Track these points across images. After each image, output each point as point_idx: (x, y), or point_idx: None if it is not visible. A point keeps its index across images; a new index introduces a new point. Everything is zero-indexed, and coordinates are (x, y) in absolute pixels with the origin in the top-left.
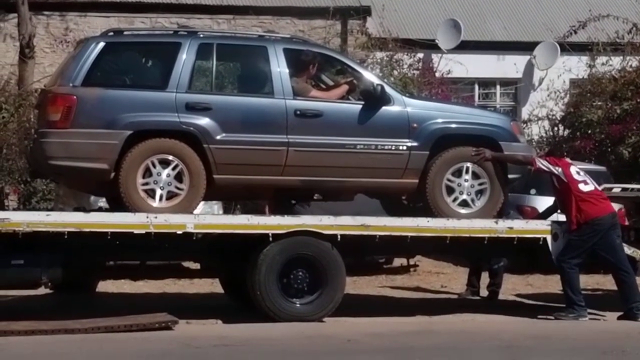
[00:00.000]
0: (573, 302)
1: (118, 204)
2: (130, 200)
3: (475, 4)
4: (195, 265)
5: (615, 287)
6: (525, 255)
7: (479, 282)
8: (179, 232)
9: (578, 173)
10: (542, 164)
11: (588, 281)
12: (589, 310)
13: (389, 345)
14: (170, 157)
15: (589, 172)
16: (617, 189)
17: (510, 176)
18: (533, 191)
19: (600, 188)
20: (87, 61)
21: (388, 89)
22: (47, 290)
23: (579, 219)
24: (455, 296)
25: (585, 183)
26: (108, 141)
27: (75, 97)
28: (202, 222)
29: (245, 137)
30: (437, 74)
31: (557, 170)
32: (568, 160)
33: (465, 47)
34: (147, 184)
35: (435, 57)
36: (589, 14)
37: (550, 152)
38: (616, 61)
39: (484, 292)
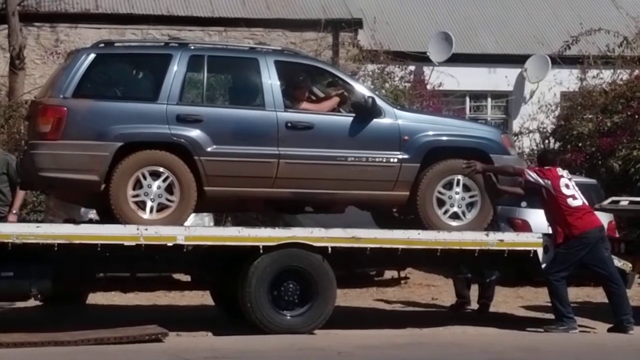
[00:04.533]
0: (562, 315)
1: (108, 216)
2: (121, 212)
3: (467, 17)
4: (186, 278)
5: (605, 300)
6: (516, 267)
7: (468, 293)
8: (170, 244)
9: (567, 186)
10: (531, 176)
11: (578, 293)
12: (579, 323)
13: (380, 357)
14: (161, 169)
15: (579, 185)
16: (624, 202)
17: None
18: (524, 204)
19: (608, 201)
20: (77, 73)
21: (379, 102)
22: (37, 302)
23: (567, 233)
24: (446, 309)
25: (574, 197)
26: (98, 153)
27: (65, 108)
28: (192, 234)
29: (236, 149)
30: (428, 87)
31: (546, 182)
32: (559, 170)
33: (457, 59)
34: (137, 195)
35: (426, 69)
36: (580, 27)
37: (543, 155)
38: (607, 74)
39: (473, 304)
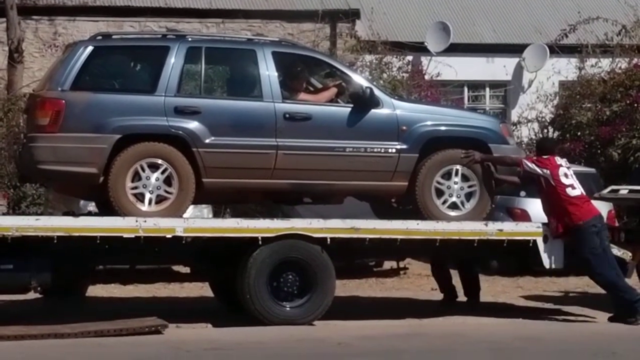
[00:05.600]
0: (631, 302)
1: (107, 208)
2: (120, 204)
3: (464, 7)
4: (185, 269)
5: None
6: (515, 257)
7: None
8: (169, 236)
9: (566, 176)
10: (529, 166)
11: (578, 283)
12: (579, 312)
13: (380, 348)
14: (159, 161)
15: (578, 174)
16: (624, 190)
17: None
18: (523, 193)
19: (607, 190)
20: (75, 65)
21: (377, 92)
22: (37, 295)
23: (567, 222)
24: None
25: (573, 187)
26: (97, 145)
27: (63, 101)
28: (191, 226)
29: (234, 140)
30: (426, 77)
31: (545, 172)
32: (557, 159)
33: (455, 49)
34: (136, 188)
35: (424, 59)
36: (578, 16)
37: (541, 144)
38: (605, 63)
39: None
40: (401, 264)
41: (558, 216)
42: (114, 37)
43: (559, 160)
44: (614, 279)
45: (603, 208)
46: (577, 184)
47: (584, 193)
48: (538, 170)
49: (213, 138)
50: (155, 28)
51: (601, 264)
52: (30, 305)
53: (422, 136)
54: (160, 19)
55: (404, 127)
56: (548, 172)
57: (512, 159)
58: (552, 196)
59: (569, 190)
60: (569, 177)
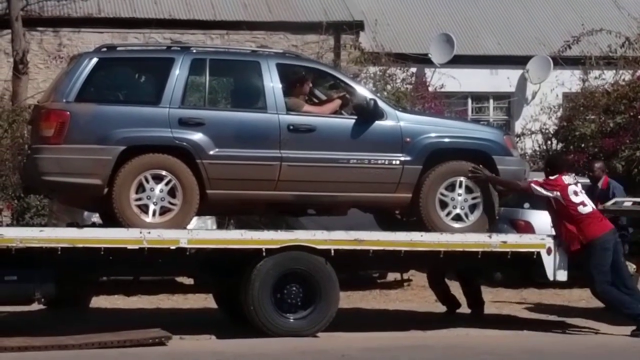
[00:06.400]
0: (637, 315)
1: (111, 220)
2: (124, 215)
3: (468, 19)
4: (189, 281)
5: None
6: (519, 269)
7: (448, 296)
8: (173, 247)
9: (575, 194)
10: (539, 190)
11: (582, 295)
12: (584, 324)
13: (384, 359)
14: (164, 173)
15: (582, 186)
16: (628, 202)
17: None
18: (527, 205)
19: (611, 202)
20: (80, 77)
21: (381, 104)
22: (41, 306)
23: (582, 239)
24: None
25: (584, 204)
26: (101, 157)
27: (68, 112)
28: (195, 237)
29: (239, 152)
30: (430, 88)
31: (555, 194)
32: (564, 179)
33: (458, 61)
34: (140, 199)
35: (428, 71)
36: (582, 28)
37: (550, 162)
38: (609, 75)
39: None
40: (405, 276)
41: (572, 234)
42: (118, 48)
43: (567, 179)
44: (615, 297)
45: None
46: (587, 200)
47: (595, 209)
48: (548, 193)
49: (217, 149)
50: (160, 40)
51: (604, 282)
52: (33, 317)
53: (426, 148)
54: (164, 30)
55: (408, 139)
56: (558, 193)
57: (521, 186)
58: (565, 216)
59: (580, 209)
60: (578, 194)
